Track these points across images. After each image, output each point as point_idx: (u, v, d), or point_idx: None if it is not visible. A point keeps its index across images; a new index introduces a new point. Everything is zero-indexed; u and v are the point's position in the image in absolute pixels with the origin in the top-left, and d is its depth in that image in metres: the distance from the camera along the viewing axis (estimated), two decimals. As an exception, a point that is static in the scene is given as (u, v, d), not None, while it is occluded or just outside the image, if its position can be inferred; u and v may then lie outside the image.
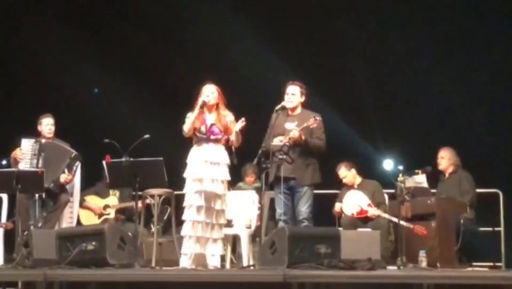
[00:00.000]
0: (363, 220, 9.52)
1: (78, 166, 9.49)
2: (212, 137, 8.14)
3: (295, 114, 8.51)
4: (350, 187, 9.81)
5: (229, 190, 8.65)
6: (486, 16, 11.30)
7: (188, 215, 8.08)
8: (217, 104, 8.21)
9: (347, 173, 9.85)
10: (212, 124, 8.15)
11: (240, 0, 12.10)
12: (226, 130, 8.18)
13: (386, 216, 9.32)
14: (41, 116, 9.55)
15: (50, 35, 12.01)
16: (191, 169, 8.14)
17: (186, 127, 8.17)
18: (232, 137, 8.16)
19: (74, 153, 9.42)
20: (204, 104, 8.13)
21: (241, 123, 8.07)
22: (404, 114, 11.62)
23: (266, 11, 11.97)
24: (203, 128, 8.15)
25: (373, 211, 9.46)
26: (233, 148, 8.27)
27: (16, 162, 9.22)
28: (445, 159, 9.58)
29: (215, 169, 8.10)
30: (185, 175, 8.17)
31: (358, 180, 9.86)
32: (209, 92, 8.19)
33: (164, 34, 12.22)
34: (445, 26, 11.52)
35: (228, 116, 8.22)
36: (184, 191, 8.19)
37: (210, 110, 8.21)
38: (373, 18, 11.86)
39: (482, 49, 11.28)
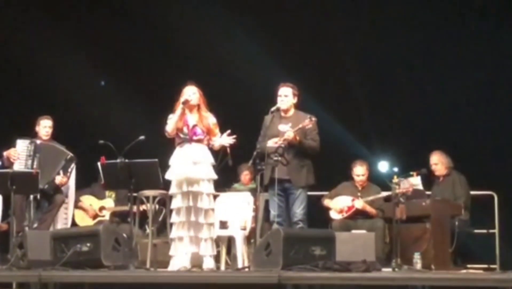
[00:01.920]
0: (352, 217, 9.49)
1: (73, 168, 9.48)
2: (194, 138, 8.12)
3: (288, 116, 8.50)
4: (355, 186, 9.72)
5: (222, 191, 8.66)
6: (483, 16, 11.32)
7: (177, 217, 8.07)
8: (199, 106, 8.20)
9: (366, 172, 9.78)
10: (194, 125, 8.12)
11: (232, 1, 12.10)
12: (209, 131, 8.16)
13: (370, 198, 9.37)
14: (40, 117, 9.52)
15: (45, 36, 11.99)
16: (175, 170, 8.11)
17: (169, 128, 8.16)
18: (216, 143, 8.15)
19: (69, 154, 9.41)
20: (186, 102, 8.11)
21: (231, 139, 8.09)
22: (399, 116, 11.64)
23: (259, 12, 11.96)
24: (185, 129, 8.14)
25: (358, 203, 9.44)
26: (228, 150, 8.26)
27: (9, 162, 9.20)
28: (439, 164, 9.58)
29: (199, 168, 8.06)
30: (168, 176, 8.13)
31: (366, 183, 9.80)
32: (191, 93, 8.18)
33: (158, 36, 12.23)
34: (441, 27, 11.53)
35: (210, 118, 8.20)
36: (170, 192, 8.17)
37: (191, 111, 8.19)
38: (368, 19, 11.87)
39: (477, 52, 11.29)
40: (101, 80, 12.88)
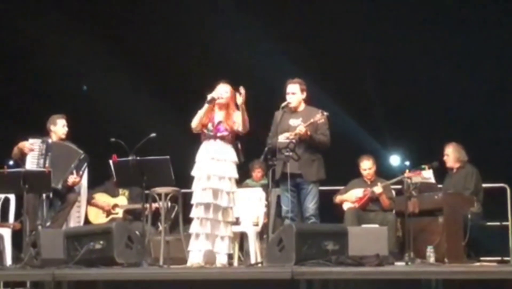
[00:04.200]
0: (366, 205, 9.50)
1: (86, 167, 9.49)
2: (218, 134, 8.14)
3: (299, 111, 8.49)
4: (364, 181, 9.74)
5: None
6: (493, 11, 11.29)
7: (196, 212, 8.09)
8: (228, 104, 8.21)
9: (373, 166, 9.80)
10: (219, 122, 8.16)
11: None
12: (232, 129, 8.18)
13: (389, 182, 9.44)
14: (54, 116, 9.48)
15: (55, 34, 12.01)
16: (198, 166, 8.14)
17: (194, 122, 8.19)
18: (238, 119, 8.11)
19: (83, 154, 9.40)
20: (212, 100, 8.14)
21: (240, 95, 8.02)
22: (411, 110, 11.63)
23: (272, 9, 11.97)
24: (210, 126, 8.17)
25: (377, 188, 9.46)
26: (239, 146, 8.27)
27: (22, 154, 9.18)
28: (450, 156, 9.55)
29: (222, 166, 8.09)
30: (193, 173, 8.17)
31: (374, 176, 9.82)
32: (223, 91, 8.20)
33: (171, 32, 12.24)
34: (451, 21, 11.50)
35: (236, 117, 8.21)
36: (192, 188, 8.19)
37: (220, 109, 8.22)
38: (380, 16, 11.85)
39: (490, 44, 11.27)
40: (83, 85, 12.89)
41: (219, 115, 8.21)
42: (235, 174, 8.18)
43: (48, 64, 12.01)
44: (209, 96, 8.14)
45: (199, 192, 8.08)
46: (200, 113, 8.16)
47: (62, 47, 12.05)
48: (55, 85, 12.02)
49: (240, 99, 8.05)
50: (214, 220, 8.03)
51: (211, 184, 8.05)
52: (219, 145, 8.15)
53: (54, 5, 12.13)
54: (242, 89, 8.03)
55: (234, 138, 8.24)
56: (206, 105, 8.14)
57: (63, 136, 9.45)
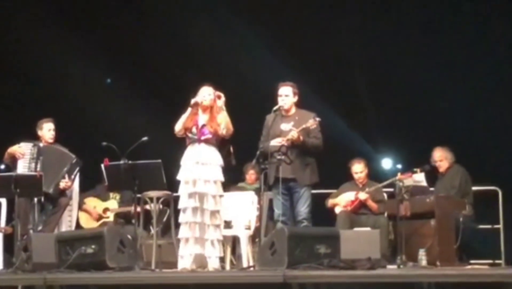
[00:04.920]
0: (357, 209, 9.51)
1: (78, 171, 9.48)
2: (202, 138, 8.12)
3: (290, 115, 8.50)
4: (356, 185, 9.75)
5: (227, 190, 8.64)
6: (483, 15, 11.31)
7: (184, 217, 8.07)
8: (212, 107, 8.20)
9: (364, 169, 9.81)
10: (203, 125, 8.14)
11: (237, 0, 12.10)
12: (216, 132, 8.15)
13: (373, 188, 9.43)
14: (41, 120, 9.49)
15: (47, 37, 11.98)
16: (183, 170, 8.12)
17: (177, 127, 8.18)
18: (223, 121, 8.07)
19: (75, 159, 9.39)
20: (196, 104, 8.12)
21: (219, 98, 8.05)
22: (403, 113, 11.63)
23: (262, 10, 11.95)
24: (194, 129, 8.15)
25: (362, 195, 9.47)
26: (231, 149, 8.26)
27: (13, 159, 9.18)
28: (444, 161, 9.56)
29: (207, 169, 8.06)
30: (178, 177, 8.16)
31: (365, 180, 9.82)
32: (206, 94, 8.19)
33: (162, 35, 12.23)
34: (443, 24, 11.53)
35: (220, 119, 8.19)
36: (179, 193, 8.18)
37: (204, 112, 8.21)
38: (372, 18, 11.86)
39: (481, 47, 11.29)
40: (107, 78, 12.87)
41: (203, 118, 8.18)
42: (220, 177, 8.15)
43: (39, 68, 11.97)
44: (192, 101, 8.13)
45: (186, 197, 8.07)
46: (183, 117, 8.15)
47: (52, 51, 12.02)
48: (47, 89, 11.97)
49: (220, 102, 8.05)
50: (202, 223, 8.01)
51: (197, 188, 8.03)
52: (203, 148, 8.12)
53: (38, 6, 12.12)
54: (219, 93, 8.05)
55: (219, 142, 8.21)
56: (189, 110, 8.13)
57: (50, 140, 9.43)
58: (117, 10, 12.30)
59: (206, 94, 8.19)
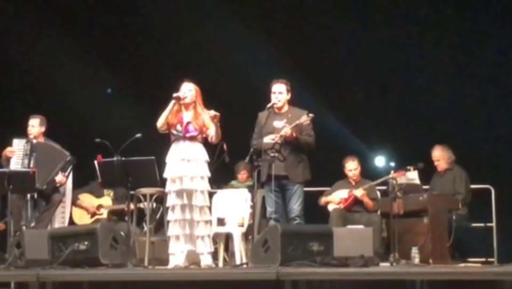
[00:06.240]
0: (351, 207, 9.51)
1: (71, 168, 9.47)
2: (187, 135, 8.11)
3: (283, 112, 8.49)
4: (349, 182, 9.74)
5: (219, 188, 8.64)
6: (479, 14, 11.32)
7: (172, 215, 8.06)
8: (195, 103, 8.18)
9: (358, 167, 9.80)
10: (188, 123, 8.11)
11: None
12: (202, 129, 8.13)
13: (367, 185, 9.43)
14: (29, 117, 9.50)
15: (41, 35, 11.97)
16: (169, 168, 8.11)
17: (159, 122, 8.15)
18: (212, 132, 8.11)
19: (69, 156, 9.39)
20: (177, 99, 8.10)
21: (214, 117, 8.05)
22: (396, 111, 11.64)
23: (253, 7, 11.94)
24: (179, 127, 8.12)
25: (358, 191, 9.47)
26: (224, 147, 8.26)
27: (7, 160, 9.19)
28: (442, 160, 9.56)
29: (192, 166, 8.04)
30: (165, 174, 8.14)
31: (359, 177, 9.82)
32: (186, 90, 8.16)
33: (154, 33, 12.21)
34: (438, 24, 11.53)
35: (205, 115, 8.16)
36: (166, 190, 8.17)
37: (187, 109, 8.18)
38: (364, 15, 11.86)
39: (475, 46, 11.30)
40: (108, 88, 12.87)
41: (187, 115, 8.16)
42: (207, 172, 8.12)
43: (33, 65, 11.95)
44: (174, 95, 8.11)
45: (173, 194, 8.06)
46: (165, 113, 8.13)
47: (46, 49, 12.00)
48: (41, 86, 11.96)
49: (212, 117, 8.04)
50: (191, 220, 8.00)
51: (184, 186, 8.01)
52: (188, 146, 8.10)
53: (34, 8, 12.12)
54: (214, 112, 8.03)
55: (205, 138, 8.20)
56: (170, 104, 8.10)
57: (33, 136, 9.36)
58: (108, 11, 12.30)
59: (186, 90, 8.17)
